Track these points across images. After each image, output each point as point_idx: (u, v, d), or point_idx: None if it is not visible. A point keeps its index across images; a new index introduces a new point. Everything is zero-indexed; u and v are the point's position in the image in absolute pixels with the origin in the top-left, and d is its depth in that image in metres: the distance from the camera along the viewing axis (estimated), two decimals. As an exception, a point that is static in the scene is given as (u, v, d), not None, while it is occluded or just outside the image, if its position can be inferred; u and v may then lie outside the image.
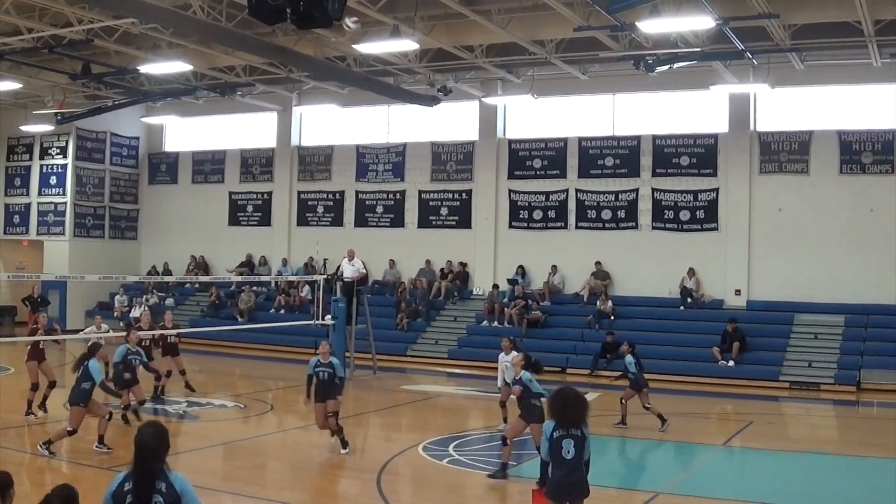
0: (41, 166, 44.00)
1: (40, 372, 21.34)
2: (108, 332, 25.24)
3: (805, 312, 31.84)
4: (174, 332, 25.75)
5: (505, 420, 20.43)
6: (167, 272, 42.73)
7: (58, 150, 43.44)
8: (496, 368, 25.94)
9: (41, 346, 21.68)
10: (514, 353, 19.66)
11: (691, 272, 33.66)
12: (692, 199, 34.12)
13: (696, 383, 29.64)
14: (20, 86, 35.93)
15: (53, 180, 43.61)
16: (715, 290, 33.73)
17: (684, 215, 34.20)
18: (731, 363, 30.36)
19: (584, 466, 9.89)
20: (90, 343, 19.83)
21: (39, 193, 43.97)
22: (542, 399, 15.69)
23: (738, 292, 33.34)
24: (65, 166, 43.26)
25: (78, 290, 40.34)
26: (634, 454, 19.71)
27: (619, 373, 23.51)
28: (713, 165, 33.94)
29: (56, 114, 37.51)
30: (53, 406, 20.97)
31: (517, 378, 17.01)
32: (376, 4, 24.95)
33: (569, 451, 9.72)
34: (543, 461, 9.97)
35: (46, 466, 16.71)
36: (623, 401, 21.99)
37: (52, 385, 21.28)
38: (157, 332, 25.09)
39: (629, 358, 21.85)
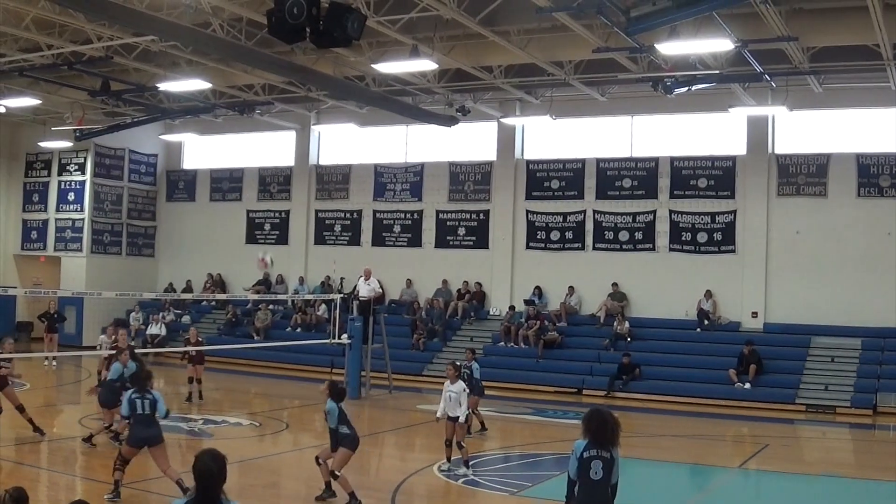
0: (59, 182, 44.15)
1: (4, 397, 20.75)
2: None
3: (822, 335, 31.70)
4: (194, 348, 26.49)
5: (449, 459, 18.96)
6: (188, 289, 42.76)
7: (76, 167, 43.59)
8: (513, 389, 26.04)
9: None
10: (460, 382, 18.92)
11: (708, 294, 33.57)
12: (710, 221, 34.06)
13: (711, 405, 29.54)
14: (39, 102, 36.06)
15: (71, 196, 43.75)
16: (732, 313, 33.62)
17: (702, 237, 34.13)
18: (748, 385, 30.23)
19: (611, 490, 9.76)
20: None
21: (57, 209, 44.11)
22: (342, 431, 15.36)
23: (754, 314, 33.24)
24: (83, 183, 43.40)
25: (95, 307, 40.37)
26: (650, 476, 19.62)
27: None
28: (731, 188, 33.87)
29: (75, 130, 37.59)
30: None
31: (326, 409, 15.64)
32: (396, 24, 24.97)
33: (597, 472, 9.59)
34: (571, 480, 9.79)
35: (62, 483, 16.75)
36: (470, 409, 21.94)
37: None
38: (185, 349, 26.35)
39: (475, 365, 22.00)
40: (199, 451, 7.30)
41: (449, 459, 18.80)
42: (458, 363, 19.65)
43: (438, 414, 18.72)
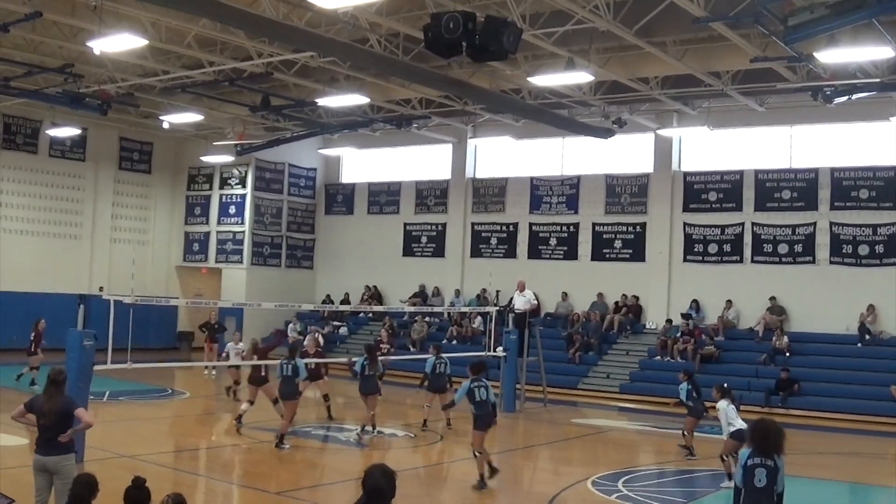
0: (221, 196, 45.22)
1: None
2: (242, 349, 26.94)
3: None
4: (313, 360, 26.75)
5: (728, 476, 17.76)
6: (346, 301, 43.17)
7: (237, 181, 44.50)
8: (668, 403, 25.68)
9: None
10: (722, 401, 18.34)
11: (870, 308, 32.76)
12: (871, 234, 33.28)
13: (872, 422, 28.82)
14: (201, 117, 36.94)
15: (232, 210, 44.73)
16: (895, 327, 32.82)
17: (863, 250, 33.38)
18: (911, 403, 29.51)
19: (778, 498, 9.84)
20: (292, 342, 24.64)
21: (218, 222, 45.19)
22: None
23: (918, 330, 32.42)
24: (244, 196, 44.35)
25: (254, 318, 41.10)
26: (809, 494, 19.26)
27: (676, 400, 22.61)
28: (894, 199, 33.05)
29: (236, 145, 38.45)
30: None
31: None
32: (551, 37, 25.02)
33: (761, 480, 9.71)
34: (736, 488, 10.00)
35: (219, 490, 17.05)
36: (685, 432, 21.60)
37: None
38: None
39: (683, 385, 21.47)
40: (369, 466, 7.44)
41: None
42: (724, 385, 18.80)
43: (724, 435, 18.26)
